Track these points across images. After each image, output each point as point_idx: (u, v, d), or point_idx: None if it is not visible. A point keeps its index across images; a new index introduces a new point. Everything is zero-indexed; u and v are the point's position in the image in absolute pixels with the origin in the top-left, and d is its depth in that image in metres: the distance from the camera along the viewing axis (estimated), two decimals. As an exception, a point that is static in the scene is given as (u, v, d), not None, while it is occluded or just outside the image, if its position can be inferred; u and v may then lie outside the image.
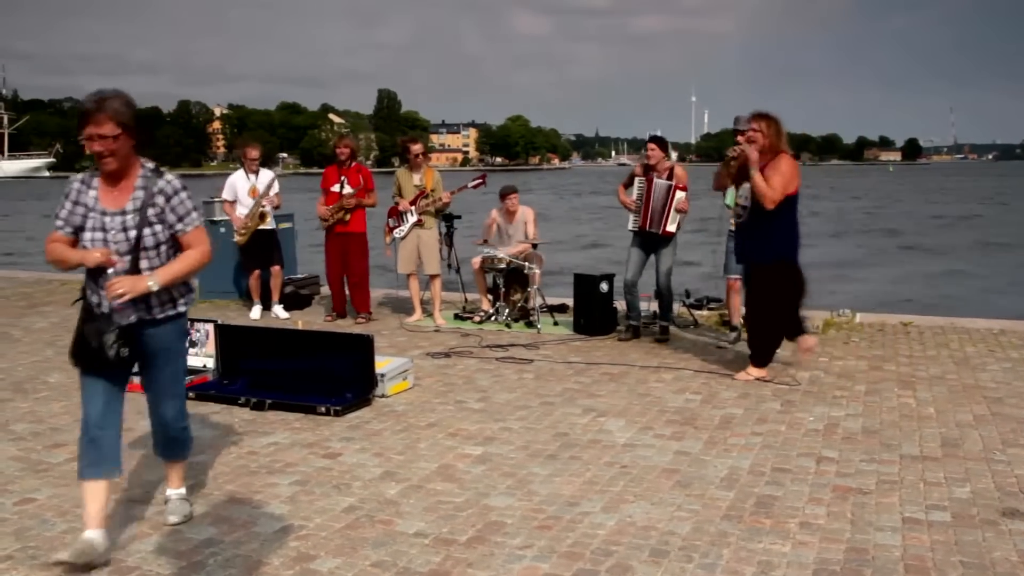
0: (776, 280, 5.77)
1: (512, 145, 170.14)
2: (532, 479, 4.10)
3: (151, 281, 3.21)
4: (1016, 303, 12.89)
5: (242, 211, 8.47)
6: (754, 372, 5.97)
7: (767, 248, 5.76)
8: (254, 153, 8.62)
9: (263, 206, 8.38)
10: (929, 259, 20.57)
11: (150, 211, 3.23)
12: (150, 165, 3.31)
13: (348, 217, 8.19)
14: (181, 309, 3.43)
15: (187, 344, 3.79)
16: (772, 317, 5.90)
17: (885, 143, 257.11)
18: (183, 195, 3.31)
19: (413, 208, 8.03)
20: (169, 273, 3.28)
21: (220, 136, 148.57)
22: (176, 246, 3.34)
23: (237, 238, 8.48)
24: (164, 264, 3.30)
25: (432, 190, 8.04)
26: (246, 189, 8.49)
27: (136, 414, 5.27)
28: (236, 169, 8.80)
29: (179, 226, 3.31)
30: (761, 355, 6.00)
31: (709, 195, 7.45)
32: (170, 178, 3.30)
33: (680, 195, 6.97)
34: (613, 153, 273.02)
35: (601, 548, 3.35)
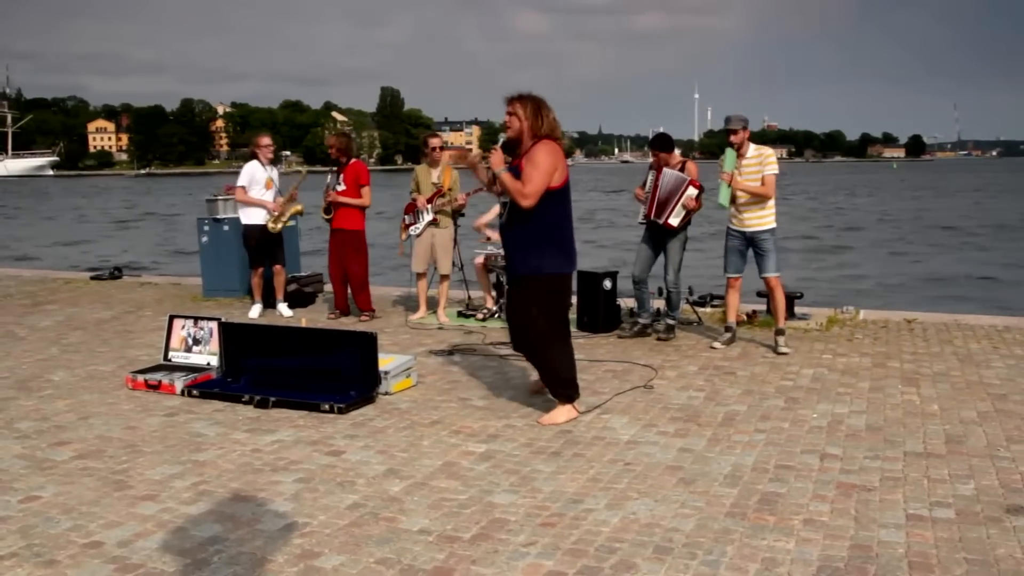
0: (547, 297, 4.93)
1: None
2: (536, 476, 4.10)
3: None
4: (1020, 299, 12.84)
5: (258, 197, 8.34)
6: (564, 413, 4.94)
7: (530, 257, 4.86)
8: (266, 140, 8.55)
9: (296, 203, 8.40)
10: None
11: None
12: None
13: (331, 215, 8.18)
14: None
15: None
16: (558, 338, 4.99)
17: (888, 140, 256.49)
18: None
19: (429, 206, 8.02)
20: None
21: (223, 135, 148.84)
22: None
23: (271, 225, 8.32)
24: None
25: (449, 189, 8.01)
26: (263, 180, 8.35)
27: (140, 412, 5.29)
28: (241, 166, 8.76)
29: None
30: (565, 388, 4.99)
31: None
32: None
33: (692, 191, 6.96)
34: (616, 150, 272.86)
35: (605, 545, 3.36)
